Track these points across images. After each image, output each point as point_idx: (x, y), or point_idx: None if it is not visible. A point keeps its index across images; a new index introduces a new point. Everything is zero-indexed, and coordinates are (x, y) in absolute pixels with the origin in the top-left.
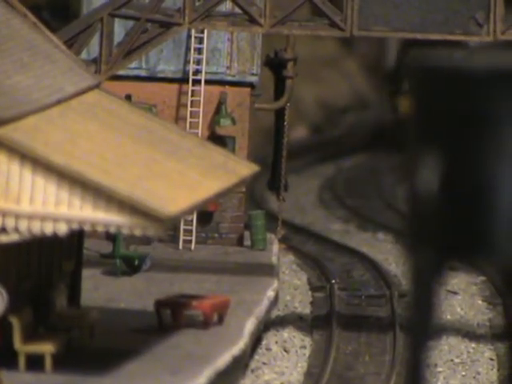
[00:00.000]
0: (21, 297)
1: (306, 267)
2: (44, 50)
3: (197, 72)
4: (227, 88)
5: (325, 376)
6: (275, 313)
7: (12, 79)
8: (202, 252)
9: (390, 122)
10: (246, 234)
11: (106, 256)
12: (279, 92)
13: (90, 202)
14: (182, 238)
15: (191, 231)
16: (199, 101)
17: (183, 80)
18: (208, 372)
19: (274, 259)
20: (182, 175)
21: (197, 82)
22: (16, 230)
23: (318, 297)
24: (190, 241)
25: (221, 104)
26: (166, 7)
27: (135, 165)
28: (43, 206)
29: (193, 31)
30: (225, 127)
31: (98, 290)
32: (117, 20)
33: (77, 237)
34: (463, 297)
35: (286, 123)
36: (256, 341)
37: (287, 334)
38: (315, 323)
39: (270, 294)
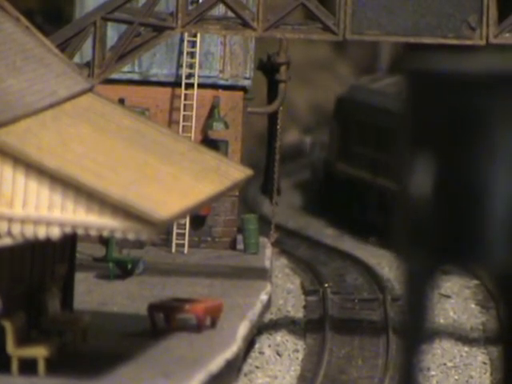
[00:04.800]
0: (14, 300)
1: (299, 271)
2: (37, 53)
3: (190, 76)
4: (220, 92)
5: (318, 380)
6: (268, 316)
7: (5, 83)
8: (194, 256)
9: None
10: (239, 237)
11: (99, 260)
12: (272, 96)
13: (83, 205)
14: (174, 241)
15: (184, 235)
16: (192, 104)
17: (176, 84)
18: (201, 376)
19: (266, 263)
20: (174, 179)
21: (190, 86)
22: (9, 233)
23: (311, 301)
24: (183, 244)
25: (214, 108)
26: (158, 11)
27: (128, 168)
28: (36, 209)
29: (186, 35)
30: (218, 131)
31: (91, 293)
32: (110, 24)
33: (70, 240)
34: (456, 300)
35: (278, 127)
36: (249, 344)
37: (280, 337)
38: (308, 327)
39: (263, 297)
